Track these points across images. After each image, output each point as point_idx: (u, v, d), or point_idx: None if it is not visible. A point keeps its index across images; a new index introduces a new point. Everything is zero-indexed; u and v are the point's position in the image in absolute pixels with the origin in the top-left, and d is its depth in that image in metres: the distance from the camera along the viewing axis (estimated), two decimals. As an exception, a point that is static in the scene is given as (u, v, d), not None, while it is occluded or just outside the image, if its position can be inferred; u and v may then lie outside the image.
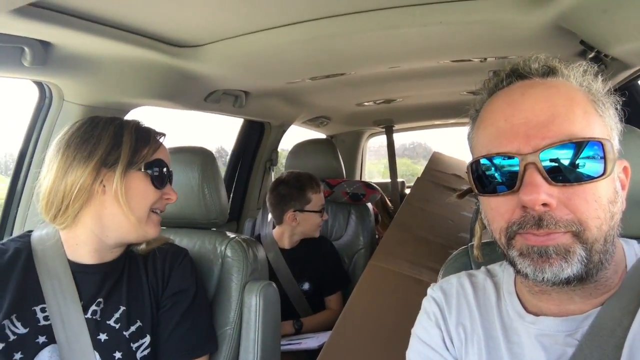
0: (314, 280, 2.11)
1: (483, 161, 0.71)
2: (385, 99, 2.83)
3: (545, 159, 0.65)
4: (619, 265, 0.74)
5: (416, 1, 1.23)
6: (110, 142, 1.01)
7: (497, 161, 0.69)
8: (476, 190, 0.75)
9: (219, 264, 1.32)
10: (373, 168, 4.58)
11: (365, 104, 2.90)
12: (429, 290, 0.94)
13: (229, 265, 1.30)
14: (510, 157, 0.67)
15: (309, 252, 2.12)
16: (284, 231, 2.11)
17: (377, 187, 2.51)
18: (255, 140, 2.67)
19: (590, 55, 1.25)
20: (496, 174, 0.70)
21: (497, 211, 0.71)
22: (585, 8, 1.02)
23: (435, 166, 3.03)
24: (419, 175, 2.94)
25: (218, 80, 1.78)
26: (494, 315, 0.82)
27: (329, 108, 2.88)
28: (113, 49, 1.30)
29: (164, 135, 1.13)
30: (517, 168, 0.66)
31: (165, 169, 1.10)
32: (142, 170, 1.05)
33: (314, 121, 3.06)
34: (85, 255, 1.05)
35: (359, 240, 2.32)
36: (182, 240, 1.38)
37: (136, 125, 1.08)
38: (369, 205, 2.45)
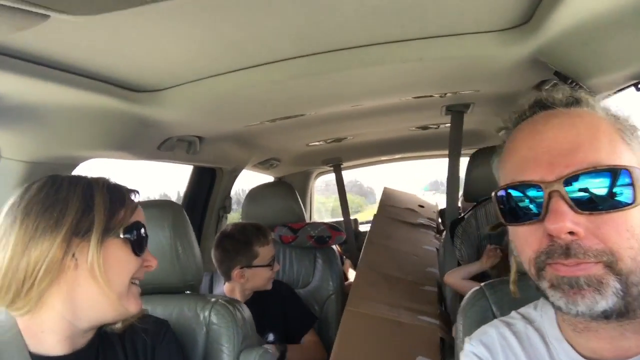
0: (277, 329, 1.95)
1: (508, 191, 0.69)
2: (336, 138, 2.81)
3: (569, 186, 0.63)
4: None
5: (397, 38, 1.21)
6: (80, 206, 0.85)
7: (521, 190, 0.68)
8: (503, 220, 0.72)
9: (203, 333, 1.16)
10: (321, 207, 4.53)
11: (316, 143, 2.86)
12: (467, 346, 0.86)
13: (217, 334, 1.14)
14: (534, 186, 0.66)
15: (266, 301, 1.98)
16: (234, 287, 1.95)
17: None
18: (206, 187, 2.51)
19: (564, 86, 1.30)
20: (521, 203, 0.68)
21: (525, 241, 0.69)
22: (567, 41, 1.04)
23: (389, 201, 3.04)
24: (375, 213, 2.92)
25: (175, 126, 1.64)
26: None
27: (280, 149, 2.81)
28: (62, 95, 1.13)
29: (137, 192, 0.98)
30: (541, 196, 0.65)
31: (143, 232, 0.95)
32: (121, 236, 0.89)
33: (264, 164, 2.95)
34: (53, 345, 0.85)
35: (328, 285, 2.21)
36: (156, 309, 1.20)
37: (107, 184, 0.92)
38: (334, 247, 2.36)
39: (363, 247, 2.45)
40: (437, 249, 2.61)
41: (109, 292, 0.85)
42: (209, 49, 1.14)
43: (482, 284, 1.05)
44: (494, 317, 0.98)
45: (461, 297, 1.88)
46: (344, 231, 2.51)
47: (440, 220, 3.17)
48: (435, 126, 2.70)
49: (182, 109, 1.43)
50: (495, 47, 1.16)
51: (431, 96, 1.79)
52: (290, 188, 2.49)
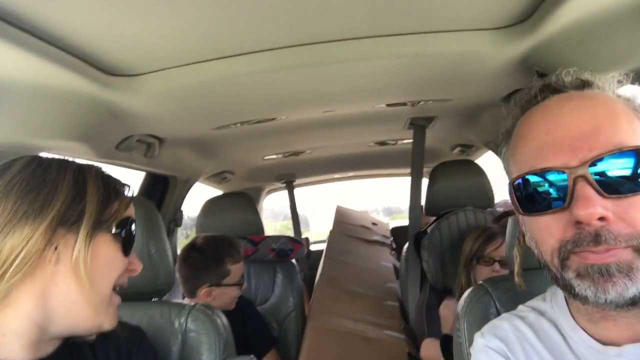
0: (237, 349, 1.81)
1: (527, 178, 0.67)
2: (294, 151, 2.76)
3: (594, 171, 0.62)
4: None
5: (394, 31, 1.19)
6: (70, 191, 0.73)
7: (542, 177, 0.65)
8: (521, 211, 0.70)
9: (178, 342, 1.04)
10: (270, 228, 4.42)
11: (273, 156, 2.80)
12: (481, 341, 0.82)
13: (195, 342, 1.03)
14: (556, 172, 0.64)
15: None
16: None
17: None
18: (157, 197, 2.34)
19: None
20: (542, 191, 0.66)
21: (547, 230, 0.66)
22: (562, 40, 1.07)
23: (343, 218, 3.01)
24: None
25: (141, 121, 1.51)
26: (569, 356, 0.74)
27: (237, 162, 2.71)
28: (23, 65, 0.98)
29: (129, 186, 0.86)
30: (565, 183, 0.63)
31: (134, 230, 0.83)
32: (113, 231, 0.77)
33: (217, 176, 2.83)
34: (14, 350, 0.70)
35: (289, 301, 2.11)
36: (122, 317, 1.05)
37: (100, 172, 0.80)
38: (294, 262, 2.27)
39: (322, 263, 2.39)
40: (395, 266, 2.61)
41: (92, 296, 0.72)
42: (194, 33, 1.06)
43: (482, 280, 1.03)
44: (498, 313, 0.96)
45: (426, 312, 1.87)
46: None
47: (392, 238, 3.18)
48: (393, 142, 2.73)
49: (156, 98, 1.32)
50: (489, 46, 1.16)
51: (404, 104, 1.80)
52: (248, 199, 2.39)
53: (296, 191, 3.47)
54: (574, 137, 0.64)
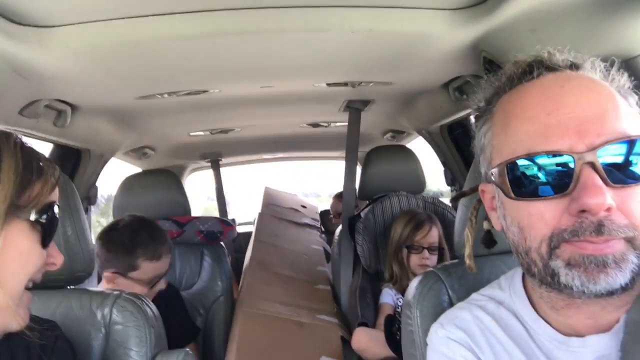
0: None
1: (524, 160, 0.63)
2: (223, 129, 2.61)
3: (602, 158, 0.59)
4: None
5: (350, 3, 1.12)
6: None
7: (542, 160, 0.61)
8: (511, 194, 0.65)
9: (101, 336, 0.91)
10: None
11: (199, 133, 2.63)
12: (441, 332, 0.79)
13: (122, 336, 0.90)
14: (561, 156, 0.60)
15: None
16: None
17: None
18: (67, 172, 2.08)
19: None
20: (540, 175, 0.62)
21: (539, 217, 0.63)
22: (515, 26, 1.06)
23: (272, 200, 2.94)
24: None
25: (51, 82, 1.31)
26: (532, 348, 0.72)
27: (159, 137, 2.50)
28: None
29: (54, 164, 0.71)
30: (570, 168, 0.60)
31: (56, 217, 0.69)
32: (31, 218, 0.63)
33: (137, 152, 2.60)
34: None
35: (216, 285, 1.98)
36: (32, 307, 0.89)
37: (18, 143, 0.65)
38: (222, 244, 2.15)
39: (251, 246, 2.30)
40: (324, 249, 2.58)
41: (1, 296, 0.58)
42: None
43: (433, 267, 1.01)
44: (451, 301, 0.94)
45: (360, 296, 1.85)
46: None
47: (320, 221, 3.16)
48: (326, 124, 2.68)
49: (71, 56, 1.14)
50: (443, 27, 1.13)
51: (344, 84, 1.74)
52: (174, 177, 2.22)
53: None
54: (579, 121, 0.60)
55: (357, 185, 2.27)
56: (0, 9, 0.93)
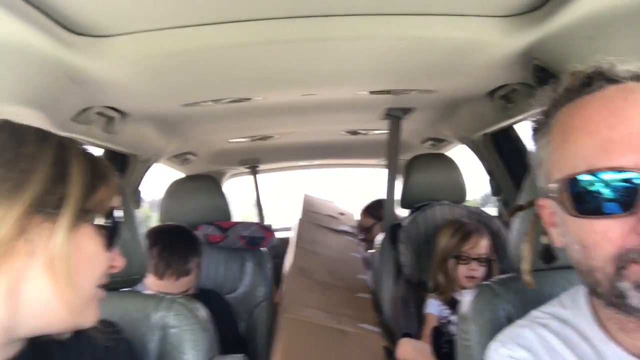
0: None
1: (585, 176, 0.60)
2: (262, 136, 2.64)
3: None
4: None
5: (398, 11, 1.11)
6: (50, 172, 0.59)
7: (606, 177, 0.59)
8: (573, 211, 0.62)
9: (156, 339, 0.91)
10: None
11: (239, 140, 2.66)
12: (503, 351, 0.75)
13: (177, 340, 0.91)
14: (626, 173, 0.57)
15: None
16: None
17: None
18: (115, 177, 2.14)
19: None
20: (604, 192, 0.59)
21: (604, 235, 0.59)
22: (571, 33, 1.02)
23: (310, 207, 2.93)
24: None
25: (103, 90, 1.35)
26: None
27: (200, 143, 2.55)
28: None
29: (115, 170, 0.72)
30: (636, 185, 0.57)
31: (119, 223, 0.70)
32: (97, 223, 0.64)
33: (179, 157, 2.66)
34: None
35: (259, 291, 2.00)
36: (91, 309, 0.92)
37: (83, 150, 0.66)
38: (264, 250, 2.16)
39: (294, 252, 2.29)
40: (363, 257, 2.56)
41: (71, 297, 0.59)
42: None
43: (489, 281, 0.98)
44: (508, 316, 0.90)
45: (403, 306, 1.82)
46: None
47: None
48: (365, 132, 2.67)
49: (125, 65, 1.18)
50: (494, 34, 1.10)
51: (387, 92, 1.73)
52: (215, 183, 2.25)
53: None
54: None
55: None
56: (59, 19, 0.96)
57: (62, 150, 0.61)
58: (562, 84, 0.70)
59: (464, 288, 1.73)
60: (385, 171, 2.37)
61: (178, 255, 1.58)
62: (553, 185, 0.65)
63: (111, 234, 0.67)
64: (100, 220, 0.65)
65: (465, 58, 1.31)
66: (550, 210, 0.71)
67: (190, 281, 1.60)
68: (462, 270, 1.70)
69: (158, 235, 1.64)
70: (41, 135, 0.61)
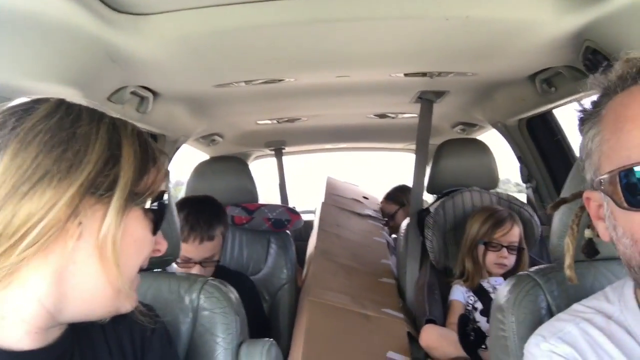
0: None
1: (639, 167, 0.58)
2: (290, 118, 2.62)
3: None
4: None
5: None
6: (103, 153, 0.58)
7: None
8: (624, 204, 0.60)
9: (189, 321, 0.92)
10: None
11: (267, 122, 2.65)
12: (544, 345, 0.73)
13: (209, 322, 0.91)
14: None
15: None
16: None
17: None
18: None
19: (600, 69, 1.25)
20: None
21: None
22: (629, 16, 0.97)
23: (334, 190, 2.92)
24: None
25: (140, 70, 1.36)
26: None
27: (228, 124, 2.55)
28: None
29: (165, 153, 0.72)
30: None
31: (166, 206, 0.70)
32: (147, 206, 0.64)
33: (206, 139, 2.67)
34: (15, 337, 0.57)
35: (282, 273, 2.00)
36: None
37: (135, 130, 0.64)
38: (288, 232, 2.17)
39: (317, 235, 2.29)
40: (388, 242, 2.54)
41: (118, 280, 0.59)
42: None
43: (528, 270, 0.95)
44: (550, 308, 0.88)
45: (428, 292, 1.81)
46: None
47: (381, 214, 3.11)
48: (393, 115, 2.62)
49: (162, 44, 1.17)
50: (548, 14, 1.05)
51: (423, 74, 1.68)
52: (243, 164, 2.26)
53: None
54: None
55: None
56: None
57: (115, 131, 0.60)
58: (615, 71, 0.67)
59: (491, 275, 1.71)
60: (412, 156, 2.33)
61: (203, 220, 1.60)
62: (603, 178, 0.63)
63: (157, 218, 0.67)
64: (148, 204, 0.64)
65: (510, 39, 1.26)
66: (598, 203, 0.69)
67: (214, 247, 1.61)
68: (492, 257, 1.68)
69: (186, 202, 1.68)
70: (95, 114, 0.60)
